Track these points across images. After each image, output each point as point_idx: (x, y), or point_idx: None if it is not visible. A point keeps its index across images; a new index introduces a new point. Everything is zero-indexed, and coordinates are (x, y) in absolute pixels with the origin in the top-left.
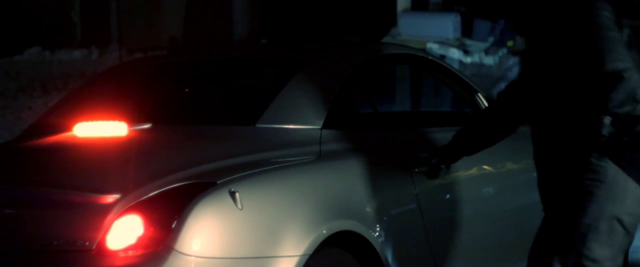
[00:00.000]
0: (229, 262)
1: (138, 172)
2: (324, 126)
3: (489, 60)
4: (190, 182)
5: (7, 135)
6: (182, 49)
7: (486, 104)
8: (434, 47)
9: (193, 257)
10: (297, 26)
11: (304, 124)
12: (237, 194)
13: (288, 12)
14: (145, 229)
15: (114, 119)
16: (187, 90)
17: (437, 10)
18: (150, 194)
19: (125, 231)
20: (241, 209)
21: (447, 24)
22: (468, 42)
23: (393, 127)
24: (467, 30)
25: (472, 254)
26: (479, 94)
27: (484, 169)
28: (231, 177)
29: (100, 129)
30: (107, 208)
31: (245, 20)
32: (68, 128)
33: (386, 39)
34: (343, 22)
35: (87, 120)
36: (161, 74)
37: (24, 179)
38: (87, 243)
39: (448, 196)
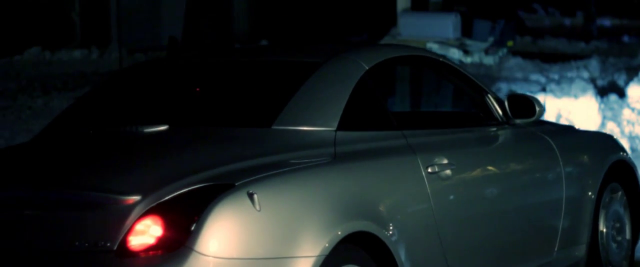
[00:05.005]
0: (247, 262)
1: (157, 174)
2: (339, 128)
3: (488, 60)
4: (209, 184)
5: (7, 135)
6: (197, 50)
7: (496, 105)
8: (433, 47)
9: (212, 258)
10: (297, 26)
11: (319, 126)
12: (255, 196)
13: (288, 12)
14: (165, 230)
15: (131, 120)
16: (199, 91)
17: (437, 10)
18: (170, 196)
19: (146, 232)
20: (259, 211)
21: (447, 24)
22: (468, 42)
23: (405, 128)
24: (467, 30)
25: (482, 252)
26: (489, 95)
27: (494, 169)
28: (249, 179)
29: (118, 130)
30: (128, 210)
31: (245, 20)
32: (85, 129)
33: (386, 39)
34: (343, 22)
35: (104, 121)
36: (178, 75)
37: (46, 180)
38: (108, 244)
39: (459, 196)
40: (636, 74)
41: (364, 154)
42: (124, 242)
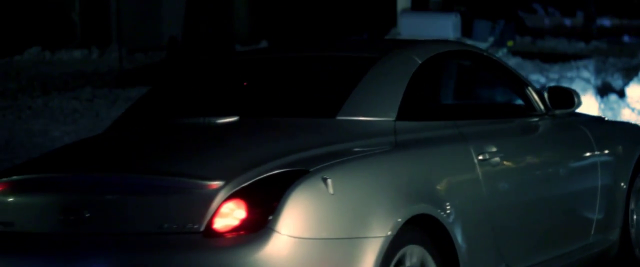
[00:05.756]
0: (323, 242)
1: (237, 161)
2: (397, 118)
3: None
4: (286, 170)
5: (7, 135)
6: (262, 46)
7: (536, 97)
8: None
9: (291, 238)
10: (297, 26)
11: (379, 117)
12: (328, 181)
13: (288, 12)
14: (248, 212)
15: (202, 112)
16: (259, 84)
17: (437, 10)
18: (251, 181)
19: (230, 214)
20: (332, 194)
21: (447, 24)
22: (468, 42)
23: (457, 118)
24: (467, 30)
25: (527, 235)
26: (529, 88)
27: (537, 157)
28: (322, 165)
29: (192, 121)
30: (213, 194)
31: (245, 20)
32: (159, 120)
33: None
34: (343, 22)
35: (180, 112)
36: (243, 70)
37: (133, 166)
38: (195, 226)
39: (507, 182)
40: (636, 74)
41: (421, 142)
42: (210, 223)
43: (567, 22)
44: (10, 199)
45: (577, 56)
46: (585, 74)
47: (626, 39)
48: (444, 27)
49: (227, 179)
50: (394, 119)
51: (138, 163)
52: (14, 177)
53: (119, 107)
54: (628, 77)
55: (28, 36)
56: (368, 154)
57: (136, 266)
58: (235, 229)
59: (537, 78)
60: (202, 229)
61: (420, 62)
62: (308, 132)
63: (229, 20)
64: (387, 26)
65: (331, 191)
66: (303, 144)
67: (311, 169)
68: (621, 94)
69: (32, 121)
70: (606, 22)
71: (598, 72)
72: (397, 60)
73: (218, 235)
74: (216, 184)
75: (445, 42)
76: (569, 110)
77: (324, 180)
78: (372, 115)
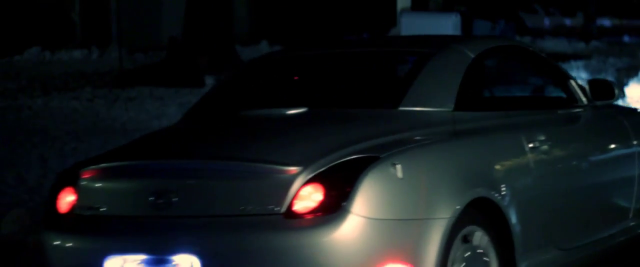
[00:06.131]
0: (393, 222)
1: (312, 149)
2: (455, 109)
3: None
4: (358, 156)
5: (7, 135)
6: (324, 42)
7: (578, 89)
8: None
9: (364, 218)
10: (297, 26)
11: (438, 107)
12: (397, 166)
13: (288, 12)
14: (325, 195)
15: (272, 104)
16: (312, 79)
17: (437, 10)
18: (327, 167)
19: (308, 197)
20: (401, 179)
21: (447, 24)
22: None
23: (508, 109)
24: (467, 30)
25: (573, 218)
26: (572, 81)
27: (581, 145)
28: (391, 152)
29: (263, 112)
30: (292, 179)
31: (245, 20)
32: (233, 112)
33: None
34: (343, 22)
35: (249, 104)
36: (308, 65)
37: (218, 154)
38: (277, 208)
39: (555, 169)
40: (636, 74)
41: (477, 131)
42: (290, 206)
43: (567, 22)
44: (100, 185)
45: (577, 56)
46: (585, 74)
47: (626, 39)
48: (444, 27)
49: (305, 165)
50: (451, 109)
51: (219, 151)
52: (103, 164)
53: (119, 107)
54: (628, 77)
55: (28, 36)
56: (430, 142)
57: (222, 245)
58: (313, 211)
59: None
60: (283, 211)
61: (473, 56)
62: (373, 121)
63: (229, 20)
64: (387, 26)
65: (400, 175)
66: (370, 133)
67: (381, 156)
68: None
69: (32, 121)
70: (606, 22)
71: (598, 72)
72: (452, 54)
73: (298, 216)
74: (295, 169)
75: (495, 37)
76: (609, 102)
77: (393, 165)
78: (432, 106)
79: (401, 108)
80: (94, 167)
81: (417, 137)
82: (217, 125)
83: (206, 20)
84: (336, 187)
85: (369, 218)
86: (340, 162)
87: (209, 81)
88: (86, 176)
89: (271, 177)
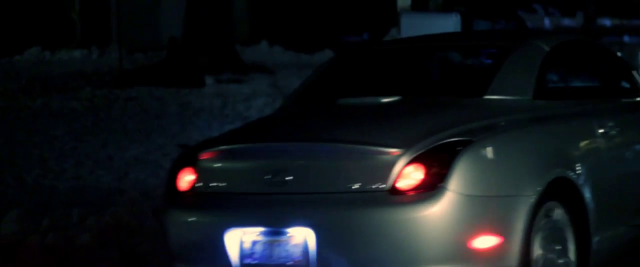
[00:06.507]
0: (485, 198)
1: (411, 133)
2: (533, 97)
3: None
4: (454, 139)
5: (7, 135)
6: (410, 37)
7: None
8: None
9: (460, 195)
10: (297, 26)
11: (519, 96)
12: (489, 148)
13: (288, 12)
14: (425, 174)
15: (369, 93)
16: (418, 70)
17: (437, 10)
18: (427, 149)
19: (410, 175)
20: (492, 159)
21: (447, 24)
22: None
23: (579, 98)
24: (467, 30)
25: (637, 198)
26: (635, 72)
27: None
28: (482, 136)
29: (363, 100)
30: (395, 159)
31: (245, 20)
32: (331, 100)
33: (386, 39)
34: (343, 22)
35: (347, 93)
36: (400, 57)
37: (326, 137)
38: (382, 185)
39: (623, 152)
40: None
41: (554, 118)
42: (394, 183)
43: (567, 22)
44: (219, 165)
45: None
46: None
47: (626, 39)
48: (444, 27)
49: (407, 147)
50: (531, 98)
51: (328, 134)
52: (223, 147)
53: (119, 107)
54: None
55: (28, 36)
56: (515, 127)
57: (334, 219)
58: (415, 188)
59: None
60: (387, 188)
61: (547, 49)
62: (462, 109)
63: (229, 21)
64: (387, 26)
65: (490, 156)
66: (460, 119)
67: (475, 139)
68: None
69: (32, 121)
70: (606, 22)
71: None
72: (530, 48)
73: (401, 193)
74: (398, 151)
75: (566, 31)
76: None
77: (486, 147)
78: (513, 95)
79: (486, 97)
80: (213, 149)
81: (503, 123)
82: (319, 112)
83: (206, 20)
84: (435, 167)
85: (464, 194)
86: (438, 145)
87: (209, 81)
88: (205, 157)
89: (376, 158)
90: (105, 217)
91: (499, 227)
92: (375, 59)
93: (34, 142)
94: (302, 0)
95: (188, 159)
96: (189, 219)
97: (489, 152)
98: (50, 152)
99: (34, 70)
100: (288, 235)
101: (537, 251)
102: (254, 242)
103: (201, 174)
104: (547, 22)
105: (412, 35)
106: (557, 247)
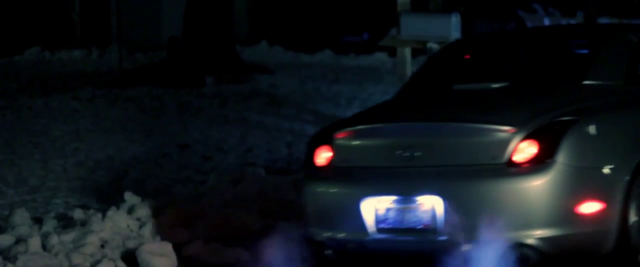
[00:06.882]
0: (590, 169)
1: (523, 113)
2: (625, 83)
3: None
4: (562, 118)
5: (7, 135)
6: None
7: None
8: (434, 47)
9: (568, 166)
10: (297, 26)
11: (614, 81)
12: (592, 126)
13: (287, 12)
14: (538, 149)
15: (479, 79)
16: (521, 58)
17: (437, 10)
18: (538, 127)
19: (524, 150)
20: (594, 135)
21: (447, 24)
22: None
23: None
24: (467, 31)
25: None
26: None
27: None
28: (586, 115)
29: (475, 86)
30: (511, 136)
31: (245, 20)
32: (446, 86)
33: (386, 39)
34: (343, 22)
35: (459, 80)
36: (501, 46)
37: (449, 117)
38: (499, 159)
39: None
40: None
41: None
42: (510, 157)
43: (567, 22)
44: (354, 143)
45: None
46: None
47: None
48: (444, 27)
49: (521, 125)
50: (623, 83)
51: (450, 114)
52: (358, 126)
53: (119, 107)
54: None
55: (28, 36)
56: (613, 108)
57: (458, 187)
58: (529, 161)
59: None
60: (504, 161)
61: (635, 40)
62: (565, 92)
63: (229, 20)
64: (387, 26)
65: (593, 133)
66: (564, 101)
67: (579, 118)
68: None
69: (32, 121)
70: (606, 22)
71: None
72: (620, 40)
73: (517, 165)
74: (514, 129)
75: None
76: None
77: (589, 125)
78: (609, 81)
79: (585, 82)
80: (348, 129)
81: (601, 105)
82: (438, 96)
83: (206, 20)
84: (547, 142)
85: (571, 166)
86: (549, 123)
87: (209, 81)
88: (341, 136)
89: (494, 135)
90: (106, 219)
91: (601, 194)
92: (482, 49)
93: (34, 142)
94: (302, 0)
95: (324, 138)
96: (330, 190)
97: (592, 129)
98: (51, 152)
99: (34, 70)
100: (418, 202)
101: (633, 216)
102: (388, 209)
103: (337, 151)
104: (547, 22)
105: (412, 35)
106: None
